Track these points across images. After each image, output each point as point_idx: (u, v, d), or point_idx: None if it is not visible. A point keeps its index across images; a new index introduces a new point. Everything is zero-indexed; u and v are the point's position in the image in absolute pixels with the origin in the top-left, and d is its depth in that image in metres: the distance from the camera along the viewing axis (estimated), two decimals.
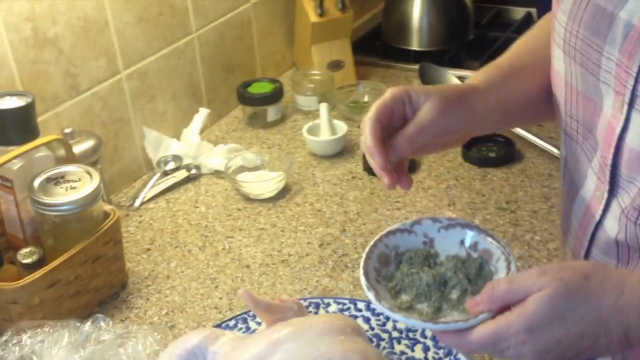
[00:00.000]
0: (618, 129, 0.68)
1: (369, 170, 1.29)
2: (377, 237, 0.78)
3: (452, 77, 1.50)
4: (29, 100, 1.00)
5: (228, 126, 1.50)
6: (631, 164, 0.68)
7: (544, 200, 1.18)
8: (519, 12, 1.91)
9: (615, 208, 0.72)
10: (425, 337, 0.89)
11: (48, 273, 0.92)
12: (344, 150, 1.37)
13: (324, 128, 1.37)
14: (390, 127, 0.78)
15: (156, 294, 1.05)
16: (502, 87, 0.84)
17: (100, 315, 0.94)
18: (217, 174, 1.33)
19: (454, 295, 0.73)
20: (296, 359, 0.74)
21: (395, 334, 0.91)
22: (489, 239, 0.76)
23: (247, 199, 1.25)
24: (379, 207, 1.20)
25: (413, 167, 1.29)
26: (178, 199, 1.27)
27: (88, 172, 0.99)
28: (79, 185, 0.98)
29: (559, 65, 0.79)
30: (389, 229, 0.79)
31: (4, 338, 0.86)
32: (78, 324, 0.91)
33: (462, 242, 0.78)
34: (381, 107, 0.77)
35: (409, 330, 0.91)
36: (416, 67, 1.58)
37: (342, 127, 1.38)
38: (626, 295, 0.62)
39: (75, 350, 0.88)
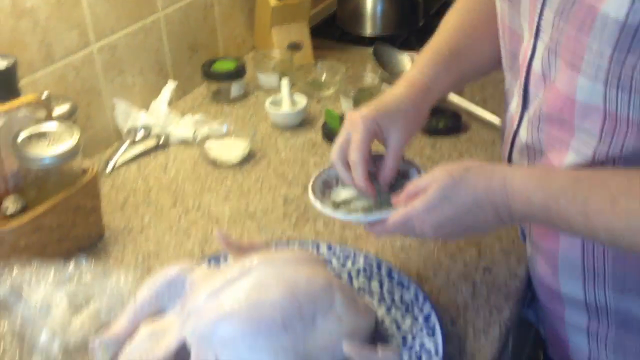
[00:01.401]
0: (528, 55, 0.84)
1: (327, 138, 1.39)
2: (322, 169, 1.01)
3: (405, 56, 1.61)
4: (12, 61, 1.07)
5: (193, 101, 1.58)
6: (535, 83, 0.84)
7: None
8: None
9: (525, 119, 0.89)
10: (380, 273, 0.99)
11: (34, 219, 0.99)
12: (303, 121, 1.46)
13: (285, 101, 1.47)
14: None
15: (132, 244, 1.13)
16: (447, 74, 1.00)
17: (82, 257, 1.02)
18: (184, 143, 1.41)
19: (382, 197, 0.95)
20: (265, 281, 0.83)
21: (353, 273, 1.01)
22: (414, 169, 0.99)
23: (214, 164, 1.33)
24: None
25: None
26: (148, 164, 1.35)
27: (68, 128, 1.07)
28: (60, 140, 1.05)
29: (499, 6, 0.92)
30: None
31: None
32: (62, 265, 0.99)
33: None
34: (362, 142, 0.92)
35: (364, 269, 1.00)
36: (370, 49, 1.69)
37: (302, 101, 1.47)
38: (495, 180, 0.80)
39: (60, 286, 0.96)
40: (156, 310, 0.85)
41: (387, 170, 0.95)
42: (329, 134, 1.39)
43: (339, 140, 0.94)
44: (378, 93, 1.48)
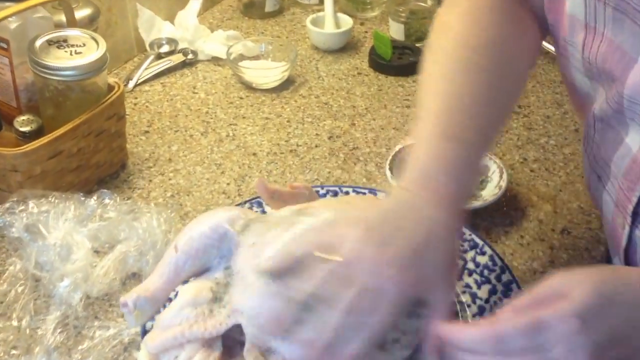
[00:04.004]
0: None
1: (375, 66, 1.24)
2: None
3: None
4: None
5: (222, 14, 1.41)
6: None
7: (556, 106, 1.16)
8: None
9: None
10: None
11: (52, 141, 0.85)
12: (347, 45, 1.30)
13: (329, 21, 1.30)
14: None
15: (159, 176, 0.99)
16: (468, 165, 0.66)
17: (105, 190, 0.89)
18: (214, 60, 1.25)
19: None
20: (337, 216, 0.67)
21: None
22: (488, 156, 0.92)
23: (249, 87, 1.18)
24: (387, 104, 1.16)
25: None
26: (174, 83, 1.20)
27: (94, 38, 0.91)
28: (85, 50, 0.90)
29: (575, 8, 0.68)
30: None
31: (7, 205, 0.79)
32: (82, 198, 0.85)
33: None
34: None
35: None
36: None
37: (347, 21, 1.31)
38: None
39: (81, 223, 0.83)
40: (200, 268, 0.70)
41: None
42: (377, 61, 1.23)
43: None
44: (433, 19, 1.31)
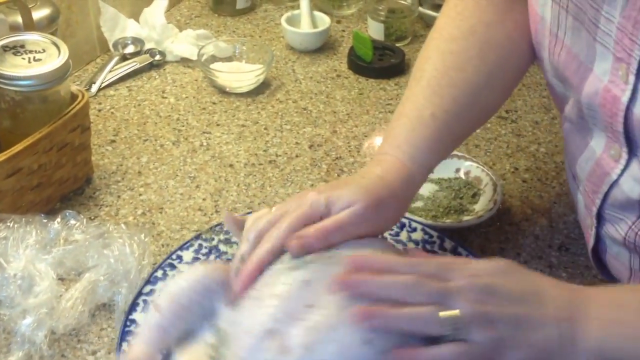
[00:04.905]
0: (624, 99, 0.61)
1: (355, 68, 1.17)
2: None
3: None
4: None
5: (190, 11, 1.33)
6: None
7: (544, 111, 1.11)
8: None
9: (635, 169, 0.64)
10: (443, 247, 0.81)
11: (10, 158, 0.77)
12: (324, 45, 1.24)
13: (305, 19, 1.24)
14: None
15: (128, 191, 0.91)
16: (434, 149, 0.73)
17: (69, 211, 0.81)
18: (184, 62, 1.17)
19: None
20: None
21: (410, 244, 0.82)
22: (480, 167, 0.92)
23: (222, 92, 1.11)
24: (369, 109, 1.10)
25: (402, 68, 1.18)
26: (142, 87, 1.12)
27: (55, 43, 0.83)
28: (44, 57, 0.81)
29: (545, 11, 0.70)
30: None
31: None
32: (45, 221, 0.78)
33: (457, 170, 0.93)
34: (300, 218, 0.63)
35: (425, 241, 0.82)
36: None
37: (324, 20, 1.24)
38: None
39: (44, 250, 0.75)
40: (186, 329, 0.63)
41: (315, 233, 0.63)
42: (357, 63, 1.17)
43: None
44: (413, 18, 1.26)
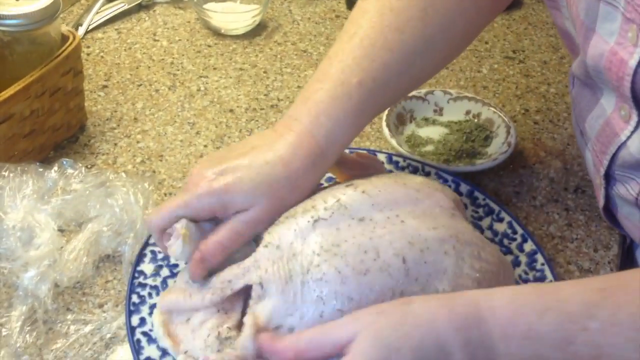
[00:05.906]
0: (632, 62, 0.58)
1: (352, 6, 1.12)
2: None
3: None
4: None
5: None
6: None
7: (552, 50, 1.07)
8: None
9: None
10: (459, 192, 0.78)
11: (1, 103, 0.72)
12: None
13: None
14: None
15: (125, 139, 0.87)
16: (354, 125, 0.65)
17: (66, 159, 0.76)
18: (175, 2, 1.12)
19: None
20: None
21: None
22: (492, 109, 0.89)
23: (217, 34, 1.06)
24: None
25: None
26: (131, 29, 1.06)
27: None
28: None
29: None
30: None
31: None
32: (40, 169, 0.73)
33: (467, 112, 0.90)
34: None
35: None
36: None
37: None
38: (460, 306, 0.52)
39: (42, 200, 0.70)
40: None
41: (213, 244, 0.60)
42: (355, 2, 1.11)
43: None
44: None
